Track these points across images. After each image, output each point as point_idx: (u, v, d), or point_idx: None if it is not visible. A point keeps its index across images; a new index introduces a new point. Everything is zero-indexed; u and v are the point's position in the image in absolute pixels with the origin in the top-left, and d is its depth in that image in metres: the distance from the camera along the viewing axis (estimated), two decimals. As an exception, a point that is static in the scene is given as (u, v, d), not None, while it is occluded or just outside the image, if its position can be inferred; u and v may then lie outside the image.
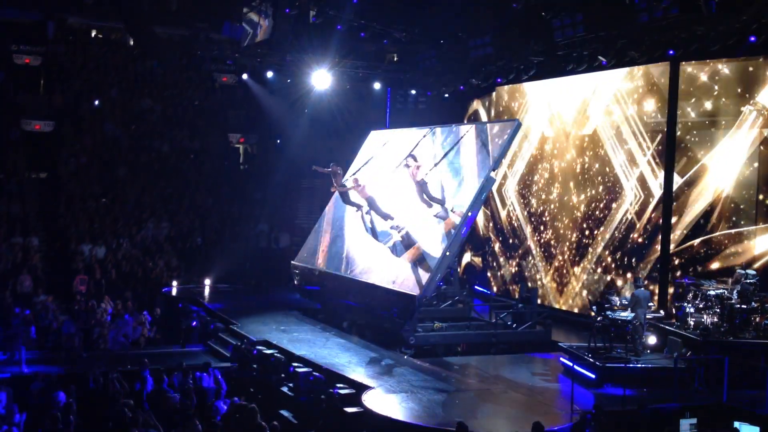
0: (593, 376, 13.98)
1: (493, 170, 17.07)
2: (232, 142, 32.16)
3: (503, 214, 22.68)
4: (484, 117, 23.68)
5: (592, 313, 15.32)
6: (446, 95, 24.57)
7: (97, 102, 29.22)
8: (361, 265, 18.27)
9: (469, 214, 16.66)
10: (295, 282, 21.11)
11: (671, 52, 17.19)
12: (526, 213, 21.68)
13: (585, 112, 19.75)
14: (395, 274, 16.87)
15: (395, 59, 26.48)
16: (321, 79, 23.84)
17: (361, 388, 13.36)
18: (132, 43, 31.68)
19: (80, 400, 12.59)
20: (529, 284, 20.78)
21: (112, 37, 32.46)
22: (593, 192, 19.36)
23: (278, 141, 31.07)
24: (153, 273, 22.42)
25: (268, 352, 15.71)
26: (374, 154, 21.18)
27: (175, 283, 22.71)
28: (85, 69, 30.00)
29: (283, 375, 14.90)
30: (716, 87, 16.92)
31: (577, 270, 19.72)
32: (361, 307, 17.83)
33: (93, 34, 32.46)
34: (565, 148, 20.29)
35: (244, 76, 26.09)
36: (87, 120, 28.41)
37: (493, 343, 16.71)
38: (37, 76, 30.12)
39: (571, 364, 14.24)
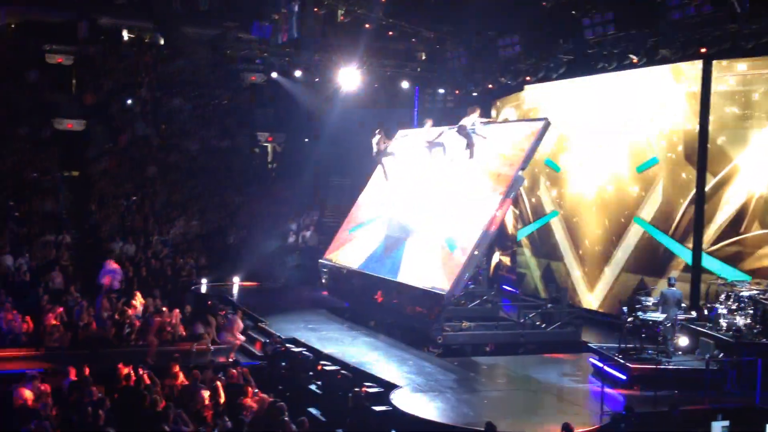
0: (624, 377, 13.84)
1: (522, 169, 16.96)
2: (261, 141, 32.37)
3: (531, 213, 22.56)
4: (512, 116, 23.55)
5: (623, 314, 15.17)
6: (474, 94, 24.48)
7: (128, 101, 29.54)
8: (388, 263, 18.25)
9: (497, 213, 16.58)
10: (323, 280, 21.15)
11: (703, 50, 16.96)
12: (556, 212, 21.54)
13: (615, 111, 19.56)
14: (423, 273, 16.84)
15: (423, 58, 26.46)
16: (349, 78, 23.88)
17: (389, 386, 13.36)
18: (162, 42, 31.98)
19: (112, 395, 12.70)
20: (559, 284, 20.64)
21: (143, 36, 32.77)
22: (626, 191, 19.19)
23: (306, 140, 31.20)
24: (182, 271, 22.59)
25: (297, 349, 15.77)
26: (403, 152, 21.14)
27: (204, 280, 22.87)
28: (116, 68, 30.33)
29: (311, 373, 14.95)
30: (749, 85, 16.68)
31: (607, 270, 19.54)
32: (388, 305, 17.83)
33: (124, 33, 32.79)
34: (594, 146, 20.12)
35: (274, 75, 26.18)
36: (118, 119, 28.74)
37: (521, 343, 16.63)
38: (69, 75, 30.54)
39: (601, 365, 14.14)
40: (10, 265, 20.65)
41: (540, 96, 22.21)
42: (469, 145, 17.54)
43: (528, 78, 21.88)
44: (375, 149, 19.77)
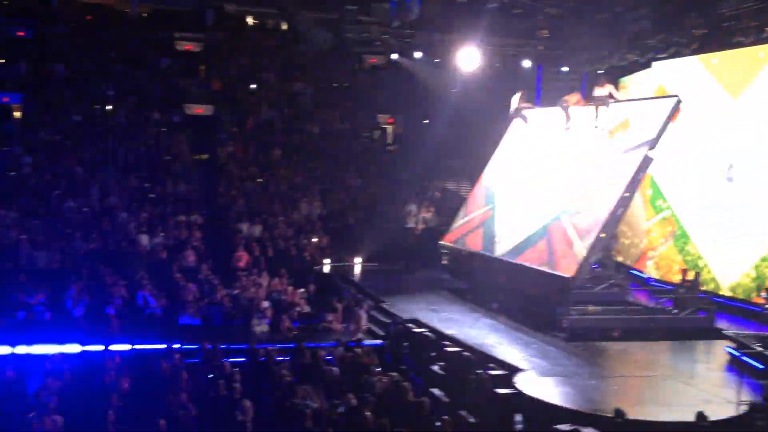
0: (762, 366, 13.19)
1: (651, 149, 16.37)
2: (381, 123, 32.58)
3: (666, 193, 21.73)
4: (639, 94, 22.69)
5: (762, 300, 14.43)
6: (600, 72, 23.71)
7: (253, 86, 30.35)
8: (511, 244, 18.03)
9: (626, 194, 16.09)
10: (444, 262, 21.13)
11: None
12: (689, 193, 20.66)
13: (754, 86, 18.52)
14: (547, 255, 16.55)
15: (546, 35, 25.84)
16: (469, 58, 23.60)
17: (513, 369, 13.23)
18: (285, 27, 32.64)
19: (244, 371, 13.16)
20: (692, 268, 19.80)
21: (267, 22, 33.56)
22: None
23: (426, 121, 31.16)
24: (306, 251, 23.09)
25: (418, 330, 15.84)
26: (526, 135, 20.80)
27: (326, 261, 23.29)
28: (242, 54, 31.20)
29: (433, 354, 14.98)
30: None
31: (745, 254, 18.56)
32: (511, 287, 17.64)
33: (248, 19, 33.68)
34: (728, 125, 19.14)
35: (394, 57, 26.23)
36: (243, 103, 29.58)
37: (651, 328, 16.09)
38: (198, 62, 31.65)
39: (737, 353, 13.52)
40: (146, 244, 21.68)
41: (670, 73, 21.29)
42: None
43: (657, 54, 21.01)
44: (513, 106, 19.78)
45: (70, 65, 28.66)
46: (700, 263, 19.88)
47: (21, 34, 29.65)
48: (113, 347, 13.78)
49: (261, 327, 17.54)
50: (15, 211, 22.11)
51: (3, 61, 28.66)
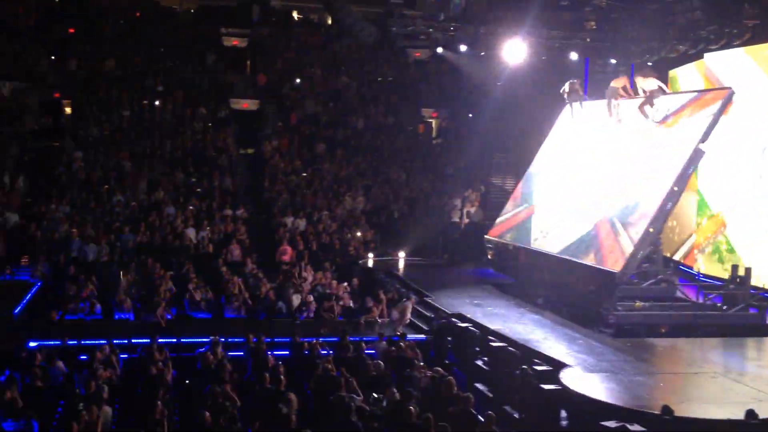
0: (817, 365, 12.85)
1: (702, 142, 16.02)
2: (425, 117, 32.51)
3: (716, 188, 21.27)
4: (691, 86, 22.23)
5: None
6: (649, 63, 23.27)
7: (298, 80, 30.51)
8: (557, 239, 17.84)
9: (675, 188, 15.77)
10: (489, 256, 20.99)
11: None
12: (739, 188, 20.20)
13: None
14: (594, 250, 16.33)
15: (594, 27, 25.44)
16: (515, 50, 23.35)
17: (559, 365, 13.08)
18: (330, 22, 32.75)
19: (288, 364, 13.25)
20: (742, 263, 19.36)
21: (312, 17, 33.72)
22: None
23: (470, 115, 30.99)
24: (350, 245, 23.15)
25: (463, 325, 15.76)
26: (573, 128, 20.53)
27: (370, 255, 23.32)
28: (287, 49, 31.39)
29: (477, 348, 14.90)
30: None
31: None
32: (556, 283, 17.44)
33: (294, 14, 33.88)
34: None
35: (439, 50, 26.10)
36: (289, 98, 29.76)
37: (700, 325, 15.78)
38: (244, 57, 31.95)
39: (790, 350, 13.19)
40: (192, 238, 21.95)
41: (721, 65, 20.80)
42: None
43: (708, 46, 20.54)
44: (566, 89, 19.56)
45: (119, 61, 29.14)
46: (751, 259, 19.41)
47: (71, 31, 30.27)
48: (161, 340, 13.96)
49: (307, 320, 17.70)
50: (66, 205, 22.58)
51: (54, 58, 29.28)
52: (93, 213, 22.46)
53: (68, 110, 28.38)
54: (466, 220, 26.04)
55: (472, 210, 26.28)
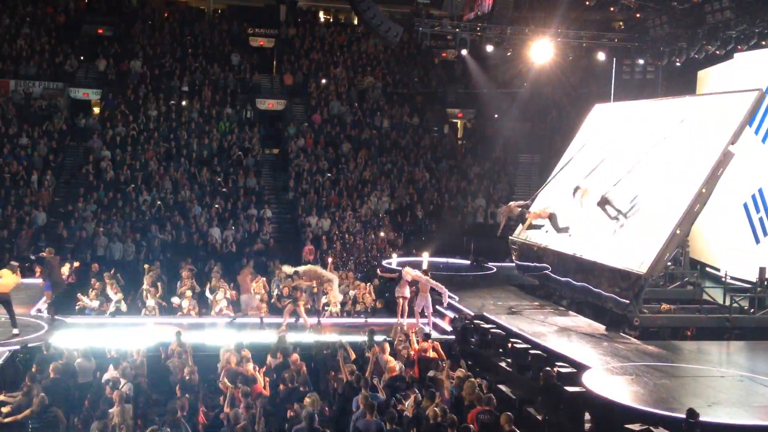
0: None
1: (732, 144, 15.79)
2: (451, 118, 32.40)
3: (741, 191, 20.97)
4: (720, 87, 21.93)
5: None
6: (678, 64, 23.01)
7: (323, 81, 30.55)
8: (582, 241, 17.68)
9: (703, 191, 15.55)
10: (513, 257, 20.88)
11: None
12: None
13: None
14: (619, 252, 16.15)
15: (622, 27, 25.21)
16: (542, 51, 23.20)
17: (582, 367, 12.96)
18: (356, 22, 32.75)
19: (309, 365, 13.27)
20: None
21: (338, 17, 33.74)
22: None
23: (496, 116, 30.85)
24: (374, 245, 23.12)
25: (486, 326, 15.67)
26: (600, 130, 20.34)
27: (394, 255, 23.25)
28: (313, 49, 31.43)
29: (500, 350, 14.82)
30: None
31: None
32: (582, 284, 17.29)
33: (320, 15, 33.93)
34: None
35: (464, 52, 26.02)
36: (314, 98, 29.81)
37: (727, 328, 15.56)
38: (270, 57, 32.05)
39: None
40: (217, 237, 22.06)
41: (752, 65, 20.49)
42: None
43: (738, 45, 20.25)
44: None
45: (147, 62, 29.38)
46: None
47: (100, 31, 30.58)
48: (183, 338, 13.99)
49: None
50: (93, 204, 22.80)
51: (83, 58, 29.60)
52: (120, 212, 22.67)
53: (96, 110, 28.69)
54: (491, 221, 25.89)
55: (497, 210, 26.09)
